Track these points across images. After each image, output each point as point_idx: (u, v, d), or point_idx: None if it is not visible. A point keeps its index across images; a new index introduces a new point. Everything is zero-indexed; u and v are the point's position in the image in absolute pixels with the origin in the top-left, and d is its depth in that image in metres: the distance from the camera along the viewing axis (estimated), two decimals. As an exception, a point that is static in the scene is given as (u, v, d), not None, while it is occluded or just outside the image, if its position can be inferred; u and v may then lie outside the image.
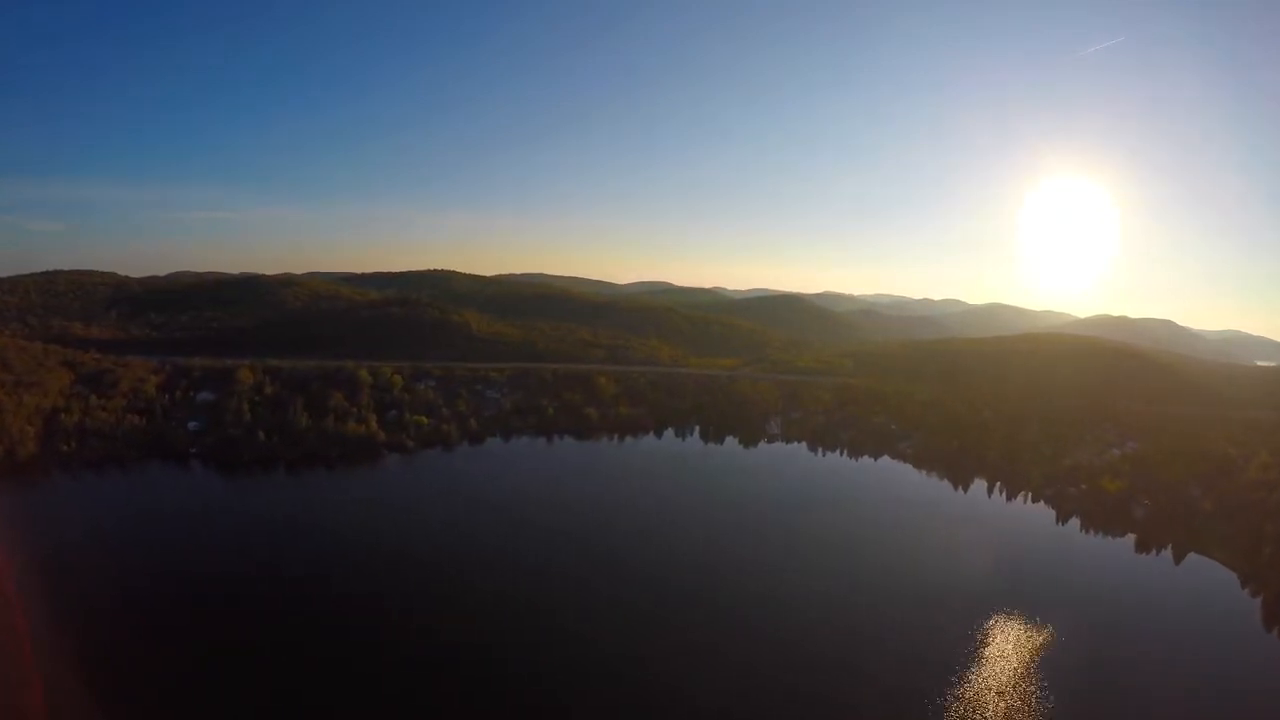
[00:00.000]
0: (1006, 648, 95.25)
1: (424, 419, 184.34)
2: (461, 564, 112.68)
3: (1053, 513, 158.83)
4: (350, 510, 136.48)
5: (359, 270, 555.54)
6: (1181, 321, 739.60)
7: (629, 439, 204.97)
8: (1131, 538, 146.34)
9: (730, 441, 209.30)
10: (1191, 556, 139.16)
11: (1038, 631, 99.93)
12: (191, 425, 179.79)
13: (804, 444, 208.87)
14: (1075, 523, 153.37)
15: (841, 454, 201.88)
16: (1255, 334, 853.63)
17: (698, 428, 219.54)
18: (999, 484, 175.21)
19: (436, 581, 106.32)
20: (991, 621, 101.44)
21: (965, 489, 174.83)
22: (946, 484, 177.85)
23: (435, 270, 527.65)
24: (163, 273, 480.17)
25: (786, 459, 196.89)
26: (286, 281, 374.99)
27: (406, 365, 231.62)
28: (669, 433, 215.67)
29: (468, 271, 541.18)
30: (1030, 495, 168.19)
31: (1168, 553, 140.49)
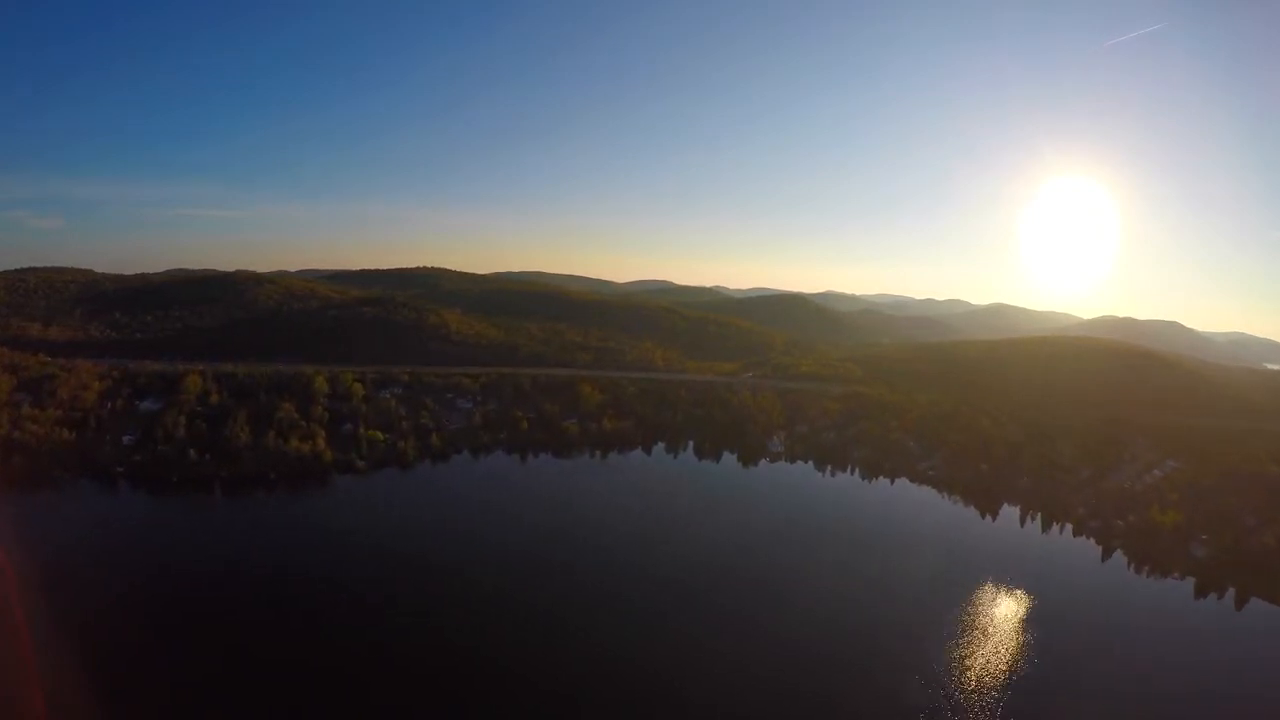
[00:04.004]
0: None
1: (380, 434, 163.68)
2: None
3: (1094, 547, 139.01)
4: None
5: (353, 267, 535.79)
6: (1187, 323, 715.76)
7: (614, 455, 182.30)
8: (1191, 580, 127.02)
9: (728, 460, 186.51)
10: (1254, 602, 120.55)
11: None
12: (126, 439, 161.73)
13: (810, 463, 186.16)
14: (1120, 557, 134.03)
15: (852, 474, 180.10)
16: (1260, 336, 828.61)
17: (691, 444, 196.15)
18: (1034, 513, 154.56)
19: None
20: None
21: (994, 517, 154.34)
22: (973, 511, 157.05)
23: (425, 268, 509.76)
24: (158, 270, 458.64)
25: (791, 482, 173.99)
26: (260, 279, 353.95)
27: (372, 370, 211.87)
28: (659, 448, 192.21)
29: (465, 270, 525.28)
30: (1072, 528, 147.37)
31: (1229, 598, 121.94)
